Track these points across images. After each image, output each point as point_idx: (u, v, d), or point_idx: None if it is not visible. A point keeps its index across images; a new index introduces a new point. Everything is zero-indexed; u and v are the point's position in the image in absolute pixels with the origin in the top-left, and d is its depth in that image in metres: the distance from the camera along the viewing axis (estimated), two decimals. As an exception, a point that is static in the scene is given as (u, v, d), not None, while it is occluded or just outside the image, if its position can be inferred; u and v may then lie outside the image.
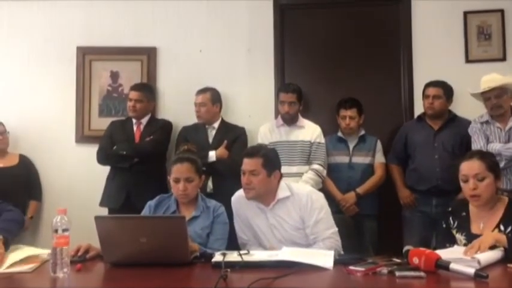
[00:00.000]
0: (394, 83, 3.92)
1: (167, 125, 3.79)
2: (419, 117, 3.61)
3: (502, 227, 2.20)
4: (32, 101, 4.04)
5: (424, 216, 3.40)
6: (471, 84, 3.38)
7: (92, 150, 3.70)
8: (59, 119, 4.03)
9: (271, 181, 2.48)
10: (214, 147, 3.54)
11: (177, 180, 2.52)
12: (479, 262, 1.86)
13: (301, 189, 2.56)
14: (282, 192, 2.50)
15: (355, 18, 4.02)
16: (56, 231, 1.89)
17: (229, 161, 3.43)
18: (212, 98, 3.67)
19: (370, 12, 4.02)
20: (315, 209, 2.45)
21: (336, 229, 2.47)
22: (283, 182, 2.55)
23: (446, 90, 3.52)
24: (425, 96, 3.54)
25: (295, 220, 2.46)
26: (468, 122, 3.44)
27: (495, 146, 3.14)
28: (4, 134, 3.78)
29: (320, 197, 2.54)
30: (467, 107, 3.55)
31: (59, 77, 4.05)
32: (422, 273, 1.79)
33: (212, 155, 3.48)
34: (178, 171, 2.53)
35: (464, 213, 2.35)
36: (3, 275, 1.91)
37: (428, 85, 3.56)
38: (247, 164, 2.47)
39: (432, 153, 3.44)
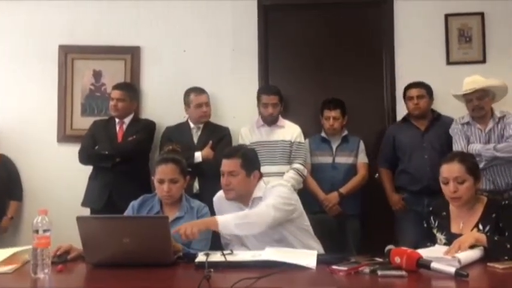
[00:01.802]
0: (377, 84, 3.96)
1: (150, 125, 3.77)
2: (404, 118, 3.64)
3: (480, 227, 2.24)
4: (14, 100, 3.99)
5: (417, 216, 3.42)
6: (452, 85, 3.44)
7: (74, 149, 3.66)
8: (40, 118, 3.98)
9: (251, 181, 2.47)
10: (200, 147, 3.53)
11: (161, 181, 2.51)
12: (459, 261, 1.88)
13: (270, 185, 2.52)
14: (258, 191, 2.48)
15: (339, 19, 4.05)
16: (37, 231, 1.87)
17: (215, 161, 3.42)
18: (209, 97, 3.67)
19: (353, 14, 4.05)
20: (270, 192, 2.44)
21: (279, 207, 2.35)
22: (262, 182, 2.53)
23: (427, 90, 3.57)
24: (408, 98, 3.58)
25: None
26: (452, 120, 3.50)
27: (475, 147, 3.19)
28: None
29: (281, 186, 2.48)
30: (448, 108, 3.60)
31: (41, 76, 4.00)
32: (404, 273, 1.81)
33: (198, 155, 3.47)
34: (162, 172, 2.51)
35: (444, 213, 2.39)
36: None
37: (410, 86, 3.60)
38: (226, 164, 2.47)
39: (421, 153, 3.47)
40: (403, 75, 3.82)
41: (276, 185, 2.48)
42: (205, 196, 2.89)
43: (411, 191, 3.49)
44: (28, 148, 3.93)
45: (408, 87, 3.62)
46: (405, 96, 3.62)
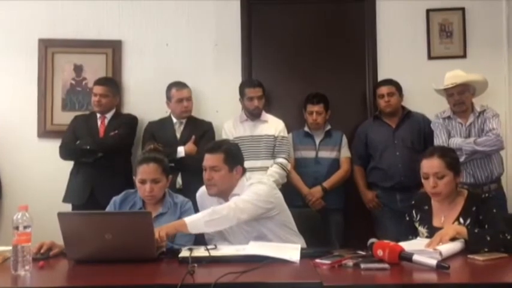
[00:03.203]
0: (360, 79, 3.98)
1: (132, 120, 3.74)
2: (375, 116, 3.68)
3: (461, 220, 2.28)
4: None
5: (391, 212, 3.47)
6: (433, 80, 3.47)
7: (55, 145, 3.61)
8: (20, 113, 3.91)
9: (233, 177, 2.46)
10: (182, 142, 3.51)
11: (143, 182, 2.48)
12: (441, 254, 1.91)
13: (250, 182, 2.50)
14: (238, 188, 2.46)
15: (322, 14, 4.06)
16: (17, 228, 1.84)
17: (198, 156, 3.40)
18: (191, 92, 3.65)
19: (336, 8, 4.06)
20: (247, 189, 2.43)
21: (256, 199, 2.35)
22: (245, 178, 2.51)
23: (397, 87, 3.62)
24: (379, 95, 3.61)
25: None
26: (423, 116, 3.55)
27: (456, 141, 3.23)
28: None
29: (259, 185, 2.44)
30: (429, 102, 3.64)
31: (20, 70, 3.92)
32: (386, 265, 1.83)
33: (181, 150, 3.45)
34: (144, 172, 2.48)
35: (426, 207, 2.42)
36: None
37: (380, 84, 3.66)
38: (209, 159, 2.45)
39: (393, 150, 3.51)
40: (386, 70, 3.85)
41: (255, 182, 2.46)
42: (189, 191, 2.87)
43: (383, 188, 3.53)
44: (8, 144, 3.86)
45: (378, 85, 3.66)
46: (376, 94, 3.65)
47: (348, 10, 4.05)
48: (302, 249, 2.11)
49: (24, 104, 3.91)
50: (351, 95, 3.99)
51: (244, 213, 2.32)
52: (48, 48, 3.93)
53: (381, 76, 3.84)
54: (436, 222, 2.35)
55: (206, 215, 2.25)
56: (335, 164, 3.63)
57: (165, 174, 2.53)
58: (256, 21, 4.04)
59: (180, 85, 3.62)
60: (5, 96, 3.91)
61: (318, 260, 1.91)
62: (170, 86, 3.63)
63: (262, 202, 2.38)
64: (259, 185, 2.44)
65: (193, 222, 2.21)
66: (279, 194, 2.53)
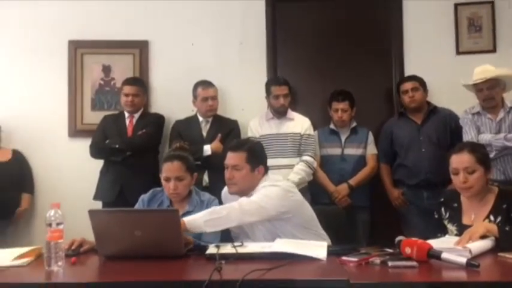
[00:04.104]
0: (386, 76, 3.94)
1: (159, 119, 3.79)
2: (400, 113, 3.64)
3: (492, 217, 2.24)
4: (25, 96, 4.01)
5: (417, 209, 3.43)
6: (462, 75, 3.41)
7: (85, 144, 3.70)
8: (51, 113, 4.01)
9: (255, 176, 2.44)
10: (208, 141, 3.54)
11: (167, 179, 2.51)
12: (470, 252, 1.88)
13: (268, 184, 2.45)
14: (260, 188, 2.42)
15: (347, 10, 4.03)
16: (50, 225, 1.89)
17: (224, 154, 3.41)
18: (217, 91, 3.68)
19: (361, 4, 4.03)
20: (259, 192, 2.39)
21: (265, 201, 2.30)
22: (265, 178, 2.48)
23: (421, 83, 3.57)
24: (403, 91, 3.57)
25: None
26: (449, 112, 3.49)
27: (486, 137, 3.17)
28: None
29: (272, 188, 2.39)
30: (457, 98, 3.57)
31: (51, 71, 4.02)
32: (414, 263, 1.81)
33: (207, 148, 3.48)
34: (168, 170, 2.51)
35: (455, 204, 2.38)
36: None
37: (403, 81, 3.63)
38: (231, 158, 2.45)
39: (419, 147, 3.47)
40: (412, 66, 3.81)
41: (268, 185, 2.41)
42: (215, 189, 2.89)
43: (409, 185, 3.49)
44: (40, 143, 3.96)
45: (402, 81, 3.63)
46: (400, 91, 3.61)
47: (374, 5, 4.02)
48: (328, 246, 2.10)
49: (55, 104, 4.01)
50: (376, 92, 3.96)
51: (248, 214, 2.27)
52: (78, 50, 4.02)
53: (408, 72, 3.80)
54: (465, 220, 2.31)
55: (206, 215, 2.22)
56: (361, 161, 3.61)
57: (190, 172, 2.54)
58: (281, 19, 4.03)
59: (205, 84, 3.65)
60: (37, 97, 4.01)
61: (344, 258, 1.90)
62: (196, 85, 3.67)
63: (272, 205, 2.32)
64: (271, 187, 2.39)
65: (193, 221, 2.18)
66: (296, 197, 2.45)
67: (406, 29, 3.90)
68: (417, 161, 3.44)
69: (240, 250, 2.06)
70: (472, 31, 3.83)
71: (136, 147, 3.57)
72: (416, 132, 3.50)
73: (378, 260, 1.86)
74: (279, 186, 2.42)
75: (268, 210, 2.31)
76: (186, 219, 2.18)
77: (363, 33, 3.99)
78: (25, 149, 3.91)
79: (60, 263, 1.89)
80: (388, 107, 3.93)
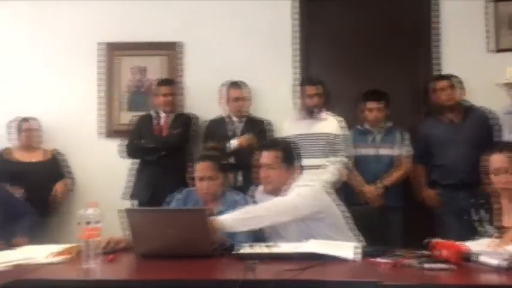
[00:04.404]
0: (418, 74, 3.87)
1: (193, 119, 3.83)
2: (435, 112, 3.56)
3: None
4: (61, 97, 4.12)
5: (453, 211, 3.36)
6: (500, 73, 3.32)
7: (121, 144, 3.77)
8: (88, 114, 4.11)
9: (289, 175, 2.46)
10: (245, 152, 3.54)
11: (200, 179, 2.54)
12: (511, 255, 1.83)
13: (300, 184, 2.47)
14: (293, 187, 2.43)
15: (379, 8, 3.98)
16: (88, 223, 1.94)
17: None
18: (249, 91, 3.69)
19: (393, 2, 3.96)
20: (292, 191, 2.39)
21: (298, 201, 2.31)
22: (300, 177, 2.49)
23: (456, 81, 3.49)
24: (438, 89, 3.50)
25: None
26: (485, 111, 3.40)
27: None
28: (31, 131, 3.86)
29: (304, 188, 2.41)
30: (495, 96, 3.48)
31: (87, 73, 4.12)
32: (450, 265, 1.78)
33: (233, 142, 3.49)
34: (199, 169, 2.55)
35: (495, 206, 2.32)
36: (36, 265, 1.97)
37: (437, 79, 3.55)
38: (266, 157, 2.46)
39: (454, 147, 3.40)
40: (449, 64, 3.74)
41: (301, 185, 2.43)
42: (249, 189, 2.90)
43: (445, 185, 3.42)
44: (77, 144, 4.06)
45: (435, 80, 3.56)
46: (432, 89, 3.53)
47: (406, 4, 3.95)
48: (362, 247, 2.09)
49: (91, 105, 4.11)
50: (409, 92, 3.89)
51: (282, 214, 2.28)
52: (113, 52, 4.11)
53: (445, 71, 3.72)
54: (505, 222, 2.26)
55: (240, 214, 2.24)
56: (395, 161, 3.55)
57: (222, 171, 2.57)
58: (311, 18, 4.01)
59: (235, 85, 3.68)
60: (74, 98, 4.12)
61: (378, 259, 1.88)
62: (227, 86, 3.69)
63: (305, 204, 2.33)
64: (304, 187, 2.40)
65: (225, 220, 2.19)
66: (327, 197, 2.46)
67: (443, 25, 3.81)
68: (453, 160, 3.37)
69: (273, 250, 2.06)
70: (512, 27, 3.73)
71: (171, 147, 3.62)
72: (453, 132, 3.43)
73: (412, 262, 1.84)
74: (312, 185, 2.43)
75: (301, 210, 2.32)
76: (220, 218, 2.20)
77: (394, 32, 3.93)
78: (63, 149, 4.01)
79: (97, 261, 1.94)
80: (421, 107, 3.85)
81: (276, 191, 2.47)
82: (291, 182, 2.46)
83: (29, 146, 3.85)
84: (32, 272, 1.87)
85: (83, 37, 4.14)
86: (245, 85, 3.70)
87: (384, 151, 3.56)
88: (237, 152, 3.46)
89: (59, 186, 3.77)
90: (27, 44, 4.18)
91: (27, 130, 3.84)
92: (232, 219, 2.21)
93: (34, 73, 4.17)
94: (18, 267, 1.93)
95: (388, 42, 3.93)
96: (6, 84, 4.17)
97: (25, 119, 3.87)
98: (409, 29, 3.93)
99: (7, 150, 3.83)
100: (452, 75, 3.52)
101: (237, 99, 3.63)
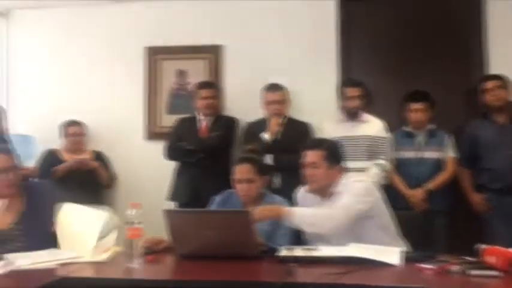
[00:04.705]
0: (464, 75, 3.76)
1: (232, 121, 3.86)
2: (483, 114, 3.45)
3: None
4: (105, 100, 4.24)
5: (502, 216, 3.25)
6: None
7: (161, 146, 3.83)
8: (130, 117, 4.21)
9: (334, 174, 2.44)
10: (280, 142, 3.54)
11: (238, 181, 2.55)
12: None
13: (352, 180, 2.48)
14: (339, 186, 2.43)
15: (422, 7, 3.89)
16: (130, 223, 1.98)
17: (297, 156, 3.41)
18: (287, 94, 3.69)
19: (438, 2, 3.87)
20: (347, 189, 2.39)
21: (354, 207, 2.31)
22: (345, 177, 2.48)
23: (504, 81, 3.37)
24: (486, 89, 3.39)
25: None
26: None
27: None
28: (76, 136, 3.98)
29: (357, 184, 2.42)
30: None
31: (129, 77, 4.23)
32: (498, 273, 1.71)
33: (265, 135, 3.49)
34: (239, 172, 2.55)
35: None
36: (81, 264, 2.02)
37: (487, 79, 3.45)
38: (309, 156, 2.45)
39: (503, 150, 3.29)
40: (497, 66, 3.61)
41: (352, 181, 2.42)
42: (287, 191, 2.89)
43: (493, 190, 3.31)
44: (119, 146, 4.17)
45: (483, 80, 3.45)
46: (481, 90, 3.42)
47: (451, 2, 3.85)
48: (405, 252, 2.04)
49: (133, 108, 4.21)
50: (454, 93, 3.78)
51: (346, 218, 2.29)
52: (154, 56, 4.20)
53: (492, 71, 3.61)
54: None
55: (309, 215, 2.27)
56: (439, 164, 3.47)
57: (261, 174, 2.56)
58: (353, 18, 3.97)
59: (271, 88, 3.68)
60: (116, 102, 4.23)
61: (422, 265, 1.84)
62: (264, 89, 3.70)
63: (362, 202, 2.34)
64: (357, 183, 2.41)
65: (295, 215, 2.24)
66: (378, 194, 2.45)
67: (490, 24, 3.69)
68: (502, 164, 3.26)
69: (313, 253, 2.04)
70: None
71: (209, 149, 3.65)
72: (501, 134, 3.32)
73: (457, 268, 1.78)
74: (364, 181, 2.48)
75: (359, 210, 2.33)
76: (290, 211, 2.26)
77: (440, 32, 3.83)
78: (105, 152, 4.11)
79: (138, 260, 1.97)
80: (467, 109, 3.74)
81: (320, 191, 2.46)
82: (336, 181, 2.44)
83: (73, 149, 3.97)
84: (76, 271, 1.92)
85: (126, 42, 4.24)
86: (281, 88, 3.69)
87: (428, 154, 3.48)
88: (273, 147, 3.46)
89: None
90: (76, 50, 4.33)
91: (72, 135, 3.97)
92: (299, 216, 2.25)
93: (81, 78, 4.30)
94: (64, 266, 1.98)
95: (432, 42, 3.84)
96: (58, 88, 4.33)
97: (71, 123, 4.00)
98: (455, 28, 3.83)
99: (56, 150, 3.97)
100: (501, 76, 3.41)
101: (272, 102, 3.63)
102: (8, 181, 2.30)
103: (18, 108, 4.33)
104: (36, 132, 4.10)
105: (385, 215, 2.45)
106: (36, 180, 3.68)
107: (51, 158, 3.89)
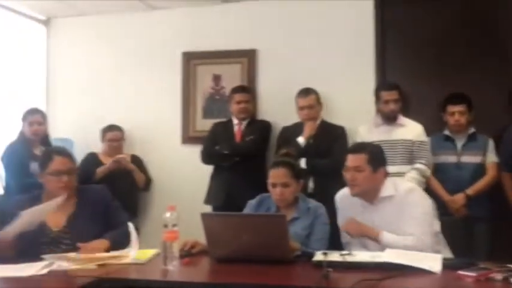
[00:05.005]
0: (505, 78, 3.64)
1: (266, 126, 3.87)
2: None
3: None
4: (142, 105, 4.32)
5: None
6: None
7: (197, 150, 3.87)
8: (166, 121, 4.28)
9: (377, 178, 2.41)
10: (315, 146, 3.52)
11: (273, 185, 2.54)
12: None
13: (404, 186, 2.46)
14: (387, 190, 2.41)
15: (461, 9, 3.80)
16: (166, 226, 2.00)
17: (331, 160, 3.40)
18: (318, 98, 3.68)
19: (476, 3, 3.77)
20: (411, 205, 2.35)
21: (429, 230, 2.30)
22: (389, 180, 2.46)
23: None
24: None
25: (397, 219, 2.36)
26: None
27: None
28: (113, 141, 4.06)
29: (420, 195, 2.43)
30: None
31: (166, 82, 4.30)
32: (543, 282, 1.65)
33: (300, 140, 3.48)
34: (274, 176, 2.54)
35: None
36: (119, 265, 2.06)
37: None
38: (352, 160, 2.43)
39: None
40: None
41: (410, 190, 2.41)
42: (320, 195, 2.88)
43: None
44: (155, 149, 4.24)
45: None
46: None
47: (492, 3, 3.75)
48: (444, 259, 1.99)
49: (170, 112, 4.27)
50: (495, 96, 3.66)
51: (430, 244, 2.29)
52: (190, 61, 4.24)
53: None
54: None
55: (398, 244, 2.22)
56: (479, 169, 3.37)
57: (296, 178, 2.55)
58: (390, 21, 3.91)
59: (302, 93, 3.66)
60: (153, 107, 4.30)
61: (461, 272, 1.79)
62: (297, 93, 3.69)
63: (433, 221, 2.39)
64: (417, 198, 2.40)
65: (382, 239, 2.28)
66: (430, 201, 2.48)
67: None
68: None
69: (348, 259, 2.02)
70: None
71: (244, 153, 3.67)
72: None
73: (499, 276, 1.73)
74: (419, 189, 2.52)
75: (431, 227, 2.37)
76: (380, 231, 2.30)
77: (479, 33, 3.73)
78: (142, 155, 4.19)
79: (174, 263, 1.99)
80: (509, 113, 3.62)
81: (364, 194, 2.44)
82: (379, 185, 2.42)
83: (112, 153, 4.05)
84: (114, 272, 1.96)
85: (163, 48, 4.31)
86: (311, 92, 3.65)
87: (466, 158, 3.38)
88: (306, 151, 3.44)
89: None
90: (114, 56, 4.43)
91: (111, 140, 4.06)
92: (387, 243, 2.25)
93: (119, 84, 4.40)
94: (103, 266, 2.03)
95: (471, 44, 3.74)
96: (96, 93, 4.43)
97: (110, 128, 4.09)
98: (493, 30, 3.72)
99: (96, 154, 4.07)
100: None
101: (303, 107, 3.62)
102: (66, 183, 2.37)
103: (57, 113, 4.46)
104: (75, 136, 4.24)
105: (436, 222, 2.43)
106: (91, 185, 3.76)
107: (92, 161, 3.99)
